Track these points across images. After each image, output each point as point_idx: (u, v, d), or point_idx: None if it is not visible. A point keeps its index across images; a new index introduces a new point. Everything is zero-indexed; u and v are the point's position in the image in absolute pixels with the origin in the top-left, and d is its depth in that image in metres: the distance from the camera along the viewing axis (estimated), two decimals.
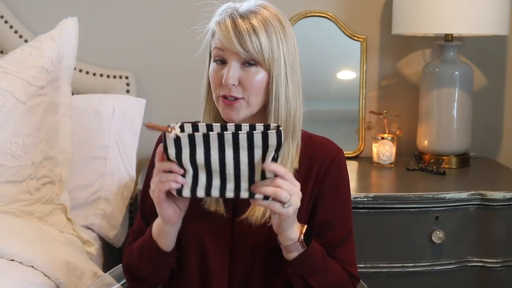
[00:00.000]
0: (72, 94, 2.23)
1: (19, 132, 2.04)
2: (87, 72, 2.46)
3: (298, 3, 2.56)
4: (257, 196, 1.26)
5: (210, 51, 1.45)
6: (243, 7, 1.41)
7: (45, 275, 1.72)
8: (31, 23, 2.48)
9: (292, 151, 1.43)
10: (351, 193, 2.05)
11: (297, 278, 1.40)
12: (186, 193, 1.28)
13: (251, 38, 1.36)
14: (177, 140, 1.25)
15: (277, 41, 1.39)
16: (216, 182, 1.27)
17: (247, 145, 1.24)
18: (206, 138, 1.24)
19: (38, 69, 2.10)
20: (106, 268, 2.00)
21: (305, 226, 1.37)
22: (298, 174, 1.42)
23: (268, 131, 1.23)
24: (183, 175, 1.27)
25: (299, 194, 1.29)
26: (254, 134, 1.23)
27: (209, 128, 1.28)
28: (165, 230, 1.38)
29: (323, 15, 2.56)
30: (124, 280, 1.55)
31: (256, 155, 1.25)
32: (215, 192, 1.27)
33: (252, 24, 1.37)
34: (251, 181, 1.26)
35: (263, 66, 1.39)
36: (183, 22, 2.53)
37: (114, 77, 2.47)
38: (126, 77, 2.48)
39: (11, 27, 2.42)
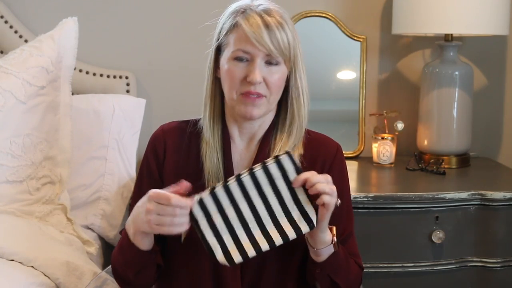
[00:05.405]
0: (72, 94, 2.23)
1: (19, 132, 2.04)
2: (87, 72, 2.46)
3: (298, 3, 2.55)
4: (277, 242, 1.30)
5: (220, 48, 1.43)
6: (259, 5, 1.39)
7: (45, 275, 1.71)
8: (31, 23, 2.48)
9: (299, 147, 1.46)
10: (351, 193, 2.06)
11: (324, 278, 1.41)
12: (222, 258, 1.30)
13: (281, 33, 1.36)
14: (202, 204, 1.26)
15: (296, 38, 1.41)
16: (251, 235, 1.30)
17: (268, 180, 1.27)
18: (227, 189, 1.26)
19: (38, 69, 2.09)
20: (106, 268, 2.00)
21: (334, 228, 1.38)
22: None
23: (279, 156, 1.26)
24: (220, 239, 1.29)
25: None
26: (268, 166, 1.26)
27: (226, 184, 1.28)
28: (140, 237, 1.37)
29: (323, 15, 2.56)
30: None
31: (281, 187, 1.28)
32: (251, 252, 1.30)
33: (278, 20, 1.37)
34: (288, 214, 1.29)
35: (286, 63, 1.40)
36: (183, 22, 2.53)
37: (114, 77, 2.47)
38: (126, 77, 2.48)
39: (11, 27, 2.42)
